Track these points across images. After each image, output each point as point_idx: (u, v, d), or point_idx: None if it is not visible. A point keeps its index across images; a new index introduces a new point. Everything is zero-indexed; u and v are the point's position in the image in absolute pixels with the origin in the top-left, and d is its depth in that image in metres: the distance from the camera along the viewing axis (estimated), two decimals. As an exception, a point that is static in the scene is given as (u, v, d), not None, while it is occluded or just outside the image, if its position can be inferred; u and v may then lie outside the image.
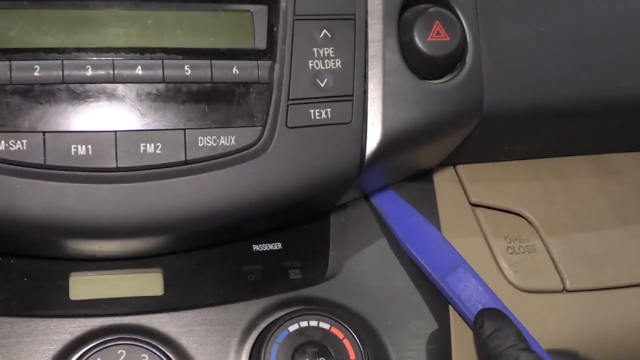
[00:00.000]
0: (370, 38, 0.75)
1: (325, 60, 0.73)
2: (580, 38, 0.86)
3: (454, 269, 0.81)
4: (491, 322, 0.76)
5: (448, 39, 0.77)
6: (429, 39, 0.76)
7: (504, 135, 0.89)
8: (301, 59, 0.73)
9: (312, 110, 0.73)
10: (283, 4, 0.73)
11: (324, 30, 0.74)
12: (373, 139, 0.75)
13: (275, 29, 0.73)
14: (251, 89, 0.71)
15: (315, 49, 0.73)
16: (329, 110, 0.73)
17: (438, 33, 0.76)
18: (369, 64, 0.75)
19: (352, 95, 0.74)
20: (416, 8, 0.79)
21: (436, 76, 0.79)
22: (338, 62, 0.74)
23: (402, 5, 0.78)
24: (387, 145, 0.75)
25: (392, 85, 0.76)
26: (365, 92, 0.75)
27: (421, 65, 0.77)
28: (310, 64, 0.73)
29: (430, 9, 0.77)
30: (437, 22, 0.76)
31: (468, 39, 0.80)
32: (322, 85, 0.73)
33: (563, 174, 0.98)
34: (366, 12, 0.76)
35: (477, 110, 0.81)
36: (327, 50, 0.74)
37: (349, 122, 0.74)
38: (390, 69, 0.76)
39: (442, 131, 0.80)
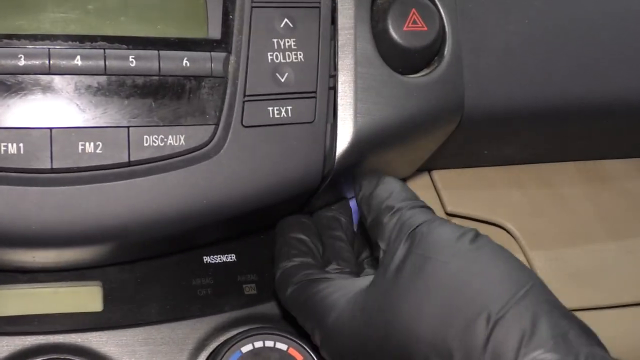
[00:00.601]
0: (340, 25, 0.75)
1: (287, 53, 0.73)
2: (566, 32, 0.87)
3: None
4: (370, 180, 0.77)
5: (425, 28, 0.77)
6: (405, 28, 0.76)
7: (485, 137, 0.90)
8: (259, 51, 0.73)
9: (270, 108, 0.73)
10: (240, -11, 0.73)
11: (285, 19, 0.74)
12: (344, 138, 0.75)
13: (230, 17, 0.73)
14: (203, 84, 0.71)
15: (275, 40, 0.73)
16: (289, 108, 0.73)
17: (414, 22, 0.76)
18: (339, 53, 0.75)
19: (315, 92, 0.74)
20: None
21: (412, 70, 0.79)
22: (300, 55, 0.74)
23: None
24: (359, 145, 0.76)
25: (365, 77, 0.76)
26: (330, 88, 0.75)
27: (396, 57, 0.77)
28: (270, 57, 0.73)
29: None
30: (413, 10, 0.76)
31: (447, 30, 0.80)
32: (283, 80, 0.73)
33: (549, 182, 0.99)
34: None
35: (458, 108, 0.82)
36: (288, 42, 0.74)
37: (312, 122, 0.74)
38: (363, 60, 0.76)
39: (419, 130, 0.80)
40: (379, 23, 0.77)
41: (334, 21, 0.76)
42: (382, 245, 0.71)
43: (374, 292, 0.68)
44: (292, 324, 0.78)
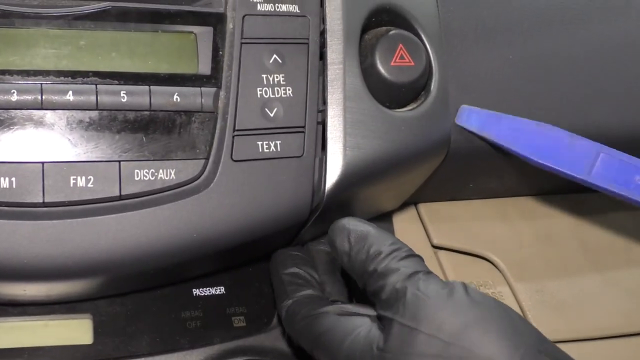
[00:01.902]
0: (329, 60, 0.76)
1: (275, 88, 0.74)
2: (551, 67, 0.88)
3: (595, 158, 0.77)
4: (344, 231, 0.71)
5: (412, 63, 0.77)
6: (392, 63, 0.77)
7: (470, 171, 0.90)
8: (249, 86, 0.73)
9: (260, 143, 0.73)
10: (230, 26, 0.73)
11: (274, 55, 0.74)
12: (333, 171, 0.75)
13: (220, 52, 0.73)
14: (193, 118, 0.72)
15: (264, 76, 0.74)
16: (278, 142, 0.74)
17: (402, 57, 0.77)
18: (329, 88, 0.76)
19: (304, 127, 0.75)
20: (378, 30, 0.80)
21: (400, 104, 0.80)
22: (289, 90, 0.74)
23: (363, 27, 0.78)
24: (348, 178, 0.76)
25: (354, 112, 0.76)
26: (318, 123, 0.76)
27: (384, 92, 0.78)
28: (259, 92, 0.73)
29: (393, 32, 0.78)
30: (400, 45, 0.77)
31: (433, 65, 0.81)
32: (272, 115, 0.74)
33: (533, 215, 0.99)
34: (322, 34, 0.76)
35: (444, 142, 0.82)
36: (277, 77, 0.74)
37: (300, 156, 0.74)
38: (351, 95, 0.76)
39: (407, 163, 0.80)
40: (367, 58, 0.77)
41: (322, 56, 0.77)
42: (379, 308, 0.69)
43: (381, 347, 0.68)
44: (281, 356, 0.78)
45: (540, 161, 0.78)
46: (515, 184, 0.97)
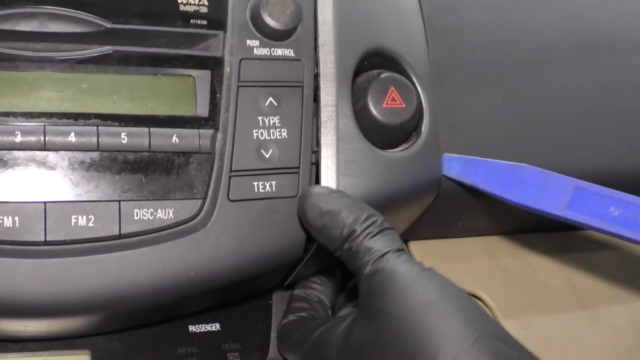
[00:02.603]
0: (323, 102, 0.77)
1: (271, 130, 0.75)
2: (537, 109, 0.89)
3: (570, 193, 0.78)
4: (315, 209, 0.72)
5: (404, 105, 0.78)
6: (384, 105, 0.78)
7: (460, 210, 0.91)
8: (245, 128, 0.74)
9: (255, 183, 0.74)
10: (227, 69, 0.75)
11: (270, 98, 0.76)
12: None
13: (218, 95, 0.75)
14: (192, 159, 0.73)
15: (260, 118, 0.75)
16: (273, 182, 0.75)
17: (393, 99, 0.78)
18: (322, 129, 0.77)
19: (298, 168, 0.76)
20: (369, 73, 0.81)
21: (391, 145, 0.81)
22: (284, 131, 0.76)
23: (355, 70, 0.80)
24: None
25: (346, 152, 0.77)
26: (312, 164, 0.77)
27: (376, 133, 0.79)
28: (255, 134, 0.75)
29: (385, 74, 0.79)
30: (392, 87, 0.79)
31: (424, 107, 0.82)
32: (267, 156, 0.75)
33: (520, 253, 1.00)
34: (316, 77, 0.77)
35: (436, 182, 0.83)
36: (272, 119, 0.75)
37: (295, 196, 0.75)
38: (344, 136, 0.77)
39: (398, 203, 0.81)
40: (359, 100, 0.79)
41: (316, 99, 0.78)
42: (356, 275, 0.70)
43: (352, 336, 0.69)
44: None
45: (516, 201, 0.79)
46: (503, 223, 0.98)
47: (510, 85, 0.88)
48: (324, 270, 0.87)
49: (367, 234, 0.69)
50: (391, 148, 0.81)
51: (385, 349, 0.64)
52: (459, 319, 0.63)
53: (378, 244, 0.68)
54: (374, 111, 0.78)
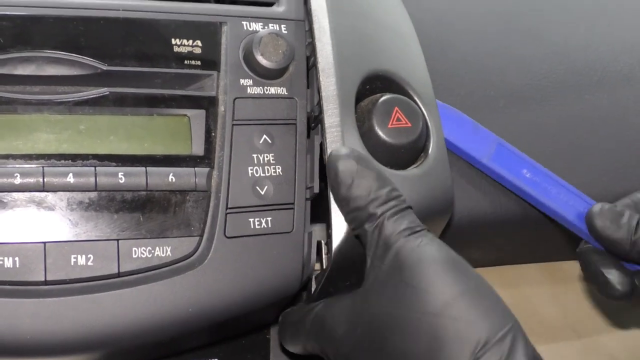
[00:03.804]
0: (327, 124, 0.76)
1: (266, 167, 0.76)
2: (525, 140, 0.91)
3: (493, 146, 0.87)
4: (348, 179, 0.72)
5: (409, 125, 0.78)
6: (390, 125, 0.77)
7: (455, 244, 0.91)
8: (240, 166, 0.75)
9: (251, 219, 0.75)
10: (221, 109, 0.76)
11: (264, 136, 0.76)
12: (337, 236, 0.74)
13: (213, 134, 0.75)
14: (188, 197, 0.73)
15: (254, 155, 0.76)
16: (269, 219, 0.75)
17: (398, 119, 0.78)
18: (328, 151, 0.75)
19: (293, 203, 0.76)
20: (372, 97, 0.80)
21: (399, 167, 0.79)
22: (279, 168, 0.76)
23: (357, 95, 0.79)
24: (352, 241, 0.75)
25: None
26: (307, 199, 0.77)
27: (384, 154, 0.78)
28: (250, 171, 0.75)
29: (387, 96, 0.79)
30: (396, 108, 0.78)
31: (430, 126, 0.82)
32: (262, 193, 0.75)
33: (513, 283, 1.01)
34: (318, 103, 0.77)
35: (448, 200, 0.82)
36: (267, 157, 0.76)
37: (290, 232, 0.76)
38: None
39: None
40: (364, 123, 0.78)
41: (309, 135, 0.79)
42: (367, 254, 0.70)
43: (362, 306, 0.69)
44: None
45: (454, 143, 0.88)
46: (496, 254, 0.98)
47: (509, 110, 0.89)
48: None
49: (401, 204, 0.70)
50: (400, 169, 0.80)
51: (414, 325, 0.64)
52: (495, 309, 0.64)
53: (412, 218, 0.70)
54: (379, 132, 0.77)
